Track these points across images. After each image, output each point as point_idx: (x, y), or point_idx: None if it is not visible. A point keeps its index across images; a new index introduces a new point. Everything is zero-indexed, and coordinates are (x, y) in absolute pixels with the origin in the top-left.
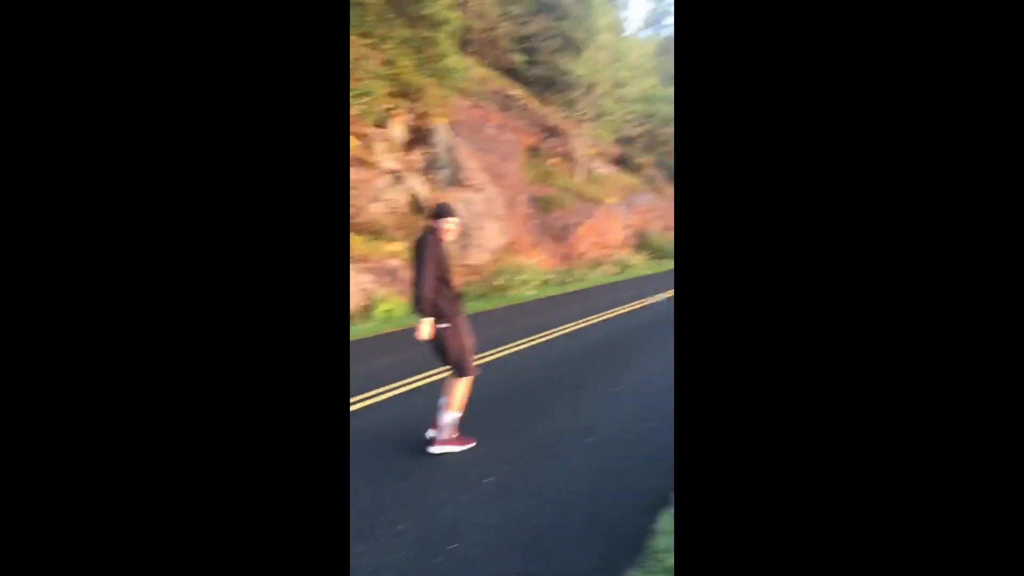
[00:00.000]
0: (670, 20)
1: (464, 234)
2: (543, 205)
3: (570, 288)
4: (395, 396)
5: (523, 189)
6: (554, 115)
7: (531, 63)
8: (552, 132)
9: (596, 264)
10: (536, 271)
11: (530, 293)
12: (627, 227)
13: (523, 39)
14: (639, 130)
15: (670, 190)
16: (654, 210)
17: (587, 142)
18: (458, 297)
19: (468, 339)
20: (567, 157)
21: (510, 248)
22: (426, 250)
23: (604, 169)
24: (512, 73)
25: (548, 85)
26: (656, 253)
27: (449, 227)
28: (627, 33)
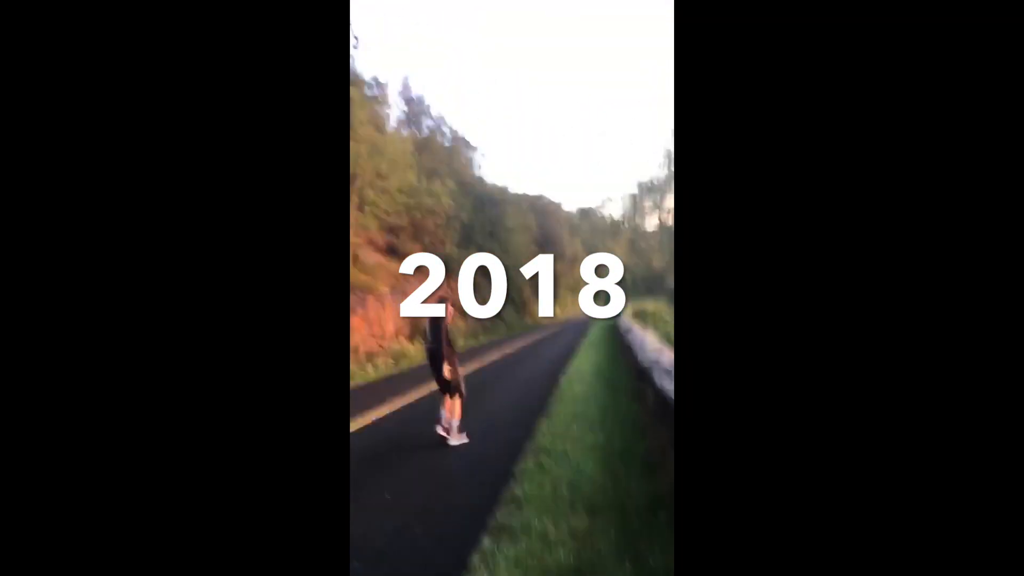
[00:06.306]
0: (429, 121)
1: None
2: None
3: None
4: None
5: None
6: None
7: None
8: None
9: (370, 357)
10: None
11: None
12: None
13: None
14: (406, 220)
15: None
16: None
17: (352, 231)
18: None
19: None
20: None
21: None
22: (441, 330)
23: (373, 258)
24: None
25: None
26: None
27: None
28: (389, 129)
